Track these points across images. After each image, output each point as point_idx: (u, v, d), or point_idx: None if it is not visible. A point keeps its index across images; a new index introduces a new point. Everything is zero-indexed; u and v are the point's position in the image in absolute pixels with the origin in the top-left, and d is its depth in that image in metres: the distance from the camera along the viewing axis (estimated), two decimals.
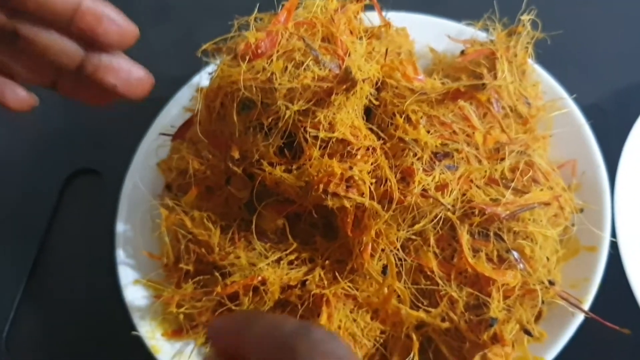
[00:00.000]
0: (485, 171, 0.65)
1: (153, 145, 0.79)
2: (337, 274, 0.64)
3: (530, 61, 0.76)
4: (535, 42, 0.76)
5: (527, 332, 0.61)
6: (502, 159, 0.67)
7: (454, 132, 0.65)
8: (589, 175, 0.73)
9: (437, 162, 0.63)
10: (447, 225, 0.63)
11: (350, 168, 0.60)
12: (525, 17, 0.76)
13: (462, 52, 0.77)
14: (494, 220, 0.61)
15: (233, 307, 0.65)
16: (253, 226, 0.66)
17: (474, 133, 0.66)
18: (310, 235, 0.69)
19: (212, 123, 0.67)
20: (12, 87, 0.51)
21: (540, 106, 0.75)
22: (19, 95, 0.51)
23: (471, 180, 0.64)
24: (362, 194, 0.61)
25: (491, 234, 0.61)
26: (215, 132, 0.67)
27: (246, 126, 0.63)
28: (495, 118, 0.66)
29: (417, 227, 0.61)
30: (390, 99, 0.64)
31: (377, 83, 0.65)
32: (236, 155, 0.65)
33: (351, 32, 0.64)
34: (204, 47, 0.64)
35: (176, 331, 0.68)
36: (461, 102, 0.66)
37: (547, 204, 0.65)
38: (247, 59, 0.61)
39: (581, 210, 0.70)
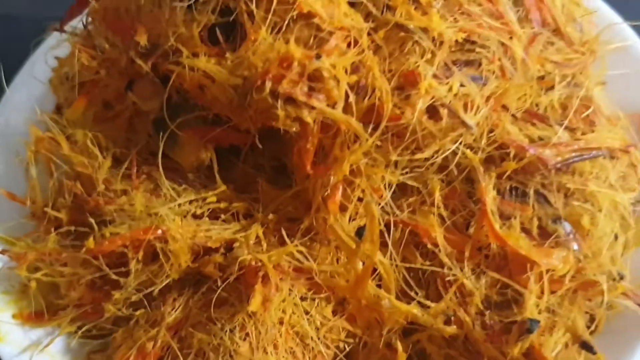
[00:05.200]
0: (526, 95, 0.42)
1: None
2: (284, 235, 0.40)
3: None
4: None
5: (586, 347, 0.38)
6: (550, 88, 0.45)
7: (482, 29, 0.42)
8: None
9: (455, 70, 0.40)
10: (462, 174, 0.41)
11: (318, 57, 0.36)
12: None
13: None
14: (537, 169, 0.43)
15: (115, 277, 0.41)
16: (159, 156, 0.43)
17: (511, 39, 0.43)
18: (251, 180, 0.46)
19: None
20: None
21: (593, 35, 0.53)
22: None
23: (504, 106, 0.41)
24: (333, 104, 0.37)
25: (530, 192, 0.43)
26: (118, 9, 0.44)
27: None
28: (549, 12, 0.44)
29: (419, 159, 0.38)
30: None
31: None
32: (143, 40, 0.43)
33: None
34: None
35: (36, 314, 0.47)
36: None
37: (619, 151, 0.42)
38: None
39: None
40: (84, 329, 0.46)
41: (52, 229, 0.47)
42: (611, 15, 0.59)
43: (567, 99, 0.47)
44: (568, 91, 0.47)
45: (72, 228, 0.44)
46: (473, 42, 0.44)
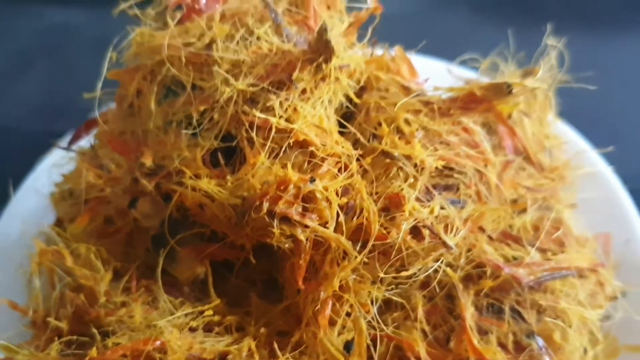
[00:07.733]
0: (500, 217, 0.46)
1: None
2: (275, 348, 0.42)
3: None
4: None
5: None
6: (523, 211, 0.48)
7: (460, 157, 0.46)
8: (629, 253, 0.54)
9: (435, 194, 0.43)
10: (442, 291, 0.44)
11: (312, 181, 0.40)
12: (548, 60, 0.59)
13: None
14: (512, 287, 0.45)
15: None
16: (159, 271, 0.45)
17: (486, 166, 0.47)
18: (243, 294, 0.48)
19: (122, 120, 0.48)
20: None
21: (563, 162, 0.57)
22: None
23: (481, 228, 0.45)
24: (325, 223, 0.40)
25: (506, 308, 0.45)
26: (124, 133, 0.48)
27: (167, 120, 0.45)
28: (520, 142, 0.48)
29: (403, 276, 0.40)
30: (376, 103, 0.46)
31: (359, 82, 0.47)
32: (148, 161, 0.45)
33: (328, 7, 0.46)
34: (122, 6, 0.46)
35: None
36: (470, 124, 0.48)
37: (588, 271, 0.45)
38: (178, 19, 0.43)
39: (623, 294, 0.50)
40: None
41: (54, 338, 0.49)
42: (580, 142, 0.63)
43: (539, 220, 0.50)
44: (539, 214, 0.50)
45: (75, 337, 0.46)
46: (451, 169, 0.48)
